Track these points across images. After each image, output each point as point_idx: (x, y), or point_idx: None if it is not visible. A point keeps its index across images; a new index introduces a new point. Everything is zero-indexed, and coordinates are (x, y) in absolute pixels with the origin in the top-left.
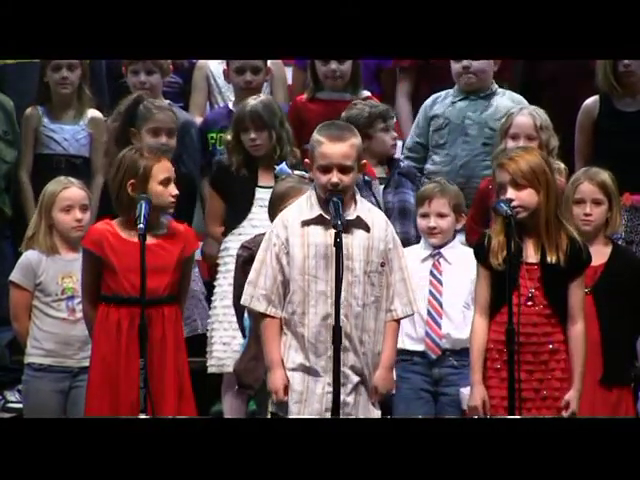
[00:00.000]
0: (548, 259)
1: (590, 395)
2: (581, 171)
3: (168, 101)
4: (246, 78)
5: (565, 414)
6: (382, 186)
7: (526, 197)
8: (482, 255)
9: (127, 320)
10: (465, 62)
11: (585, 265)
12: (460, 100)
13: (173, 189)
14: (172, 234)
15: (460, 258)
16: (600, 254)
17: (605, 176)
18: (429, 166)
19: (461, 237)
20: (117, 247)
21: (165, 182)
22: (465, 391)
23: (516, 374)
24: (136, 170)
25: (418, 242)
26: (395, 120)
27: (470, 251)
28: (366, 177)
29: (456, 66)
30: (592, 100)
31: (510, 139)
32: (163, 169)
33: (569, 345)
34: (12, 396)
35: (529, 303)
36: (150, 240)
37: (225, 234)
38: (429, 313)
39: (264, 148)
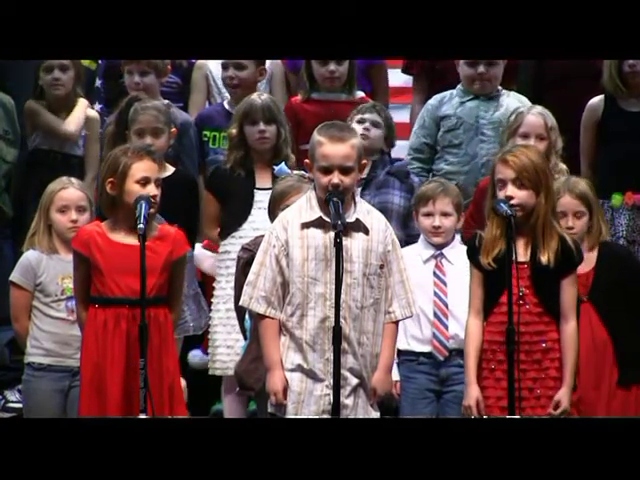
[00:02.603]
0: (538, 259)
1: (611, 398)
2: (560, 182)
3: (167, 101)
4: (228, 74)
5: (555, 413)
6: (360, 188)
7: (526, 197)
8: (473, 256)
9: (113, 321)
10: (481, 68)
11: (576, 264)
12: (469, 100)
13: (152, 190)
14: (161, 236)
15: (461, 258)
16: (588, 261)
17: (583, 185)
18: (445, 166)
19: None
20: (104, 248)
21: (142, 181)
22: None
23: (515, 373)
24: (115, 168)
25: (399, 243)
26: (377, 117)
27: None
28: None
29: (469, 71)
30: (597, 100)
31: (520, 138)
32: (142, 169)
33: (561, 344)
34: (12, 396)
35: (520, 302)
36: (138, 242)
37: (224, 237)
38: (435, 315)
39: (271, 142)
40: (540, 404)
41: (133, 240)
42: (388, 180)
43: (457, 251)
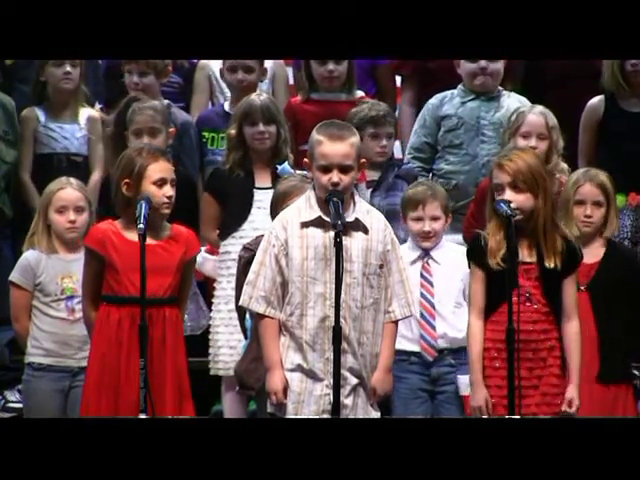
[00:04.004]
0: (546, 262)
1: (588, 393)
2: (580, 172)
3: (167, 101)
4: (238, 77)
5: (571, 410)
6: (370, 189)
7: (524, 201)
8: (477, 256)
9: (128, 320)
10: (483, 63)
11: (578, 264)
12: (470, 100)
13: (168, 190)
14: (174, 236)
15: (448, 257)
16: (596, 253)
17: (604, 177)
18: (445, 166)
19: (448, 236)
20: (119, 247)
21: (159, 183)
22: (462, 378)
23: (517, 372)
24: (131, 169)
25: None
26: (391, 128)
27: (457, 249)
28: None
29: (471, 66)
30: (597, 100)
31: (521, 138)
32: (158, 170)
33: (565, 343)
34: (12, 396)
35: (527, 303)
36: (152, 241)
37: (224, 237)
38: (422, 315)
39: (270, 142)
40: (545, 401)
41: (148, 239)
42: (396, 183)
43: (444, 250)
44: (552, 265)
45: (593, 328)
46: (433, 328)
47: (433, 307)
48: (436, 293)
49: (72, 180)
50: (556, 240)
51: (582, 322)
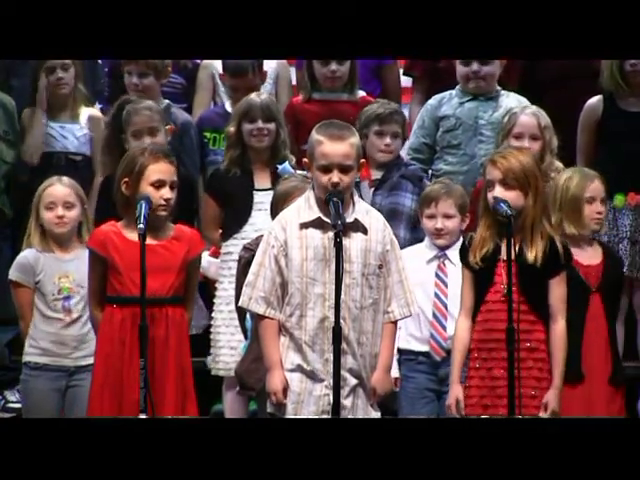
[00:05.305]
0: (525, 257)
1: (600, 394)
2: (579, 170)
3: (167, 101)
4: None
5: (544, 415)
6: (372, 189)
7: (513, 198)
8: (464, 256)
9: (130, 320)
10: (475, 67)
11: (564, 265)
12: (468, 101)
13: (165, 193)
14: (177, 236)
15: None
16: (596, 254)
17: None
18: (443, 166)
19: None
20: (121, 247)
21: (157, 184)
22: None
23: (496, 371)
24: (131, 169)
25: (407, 245)
26: (397, 127)
27: None
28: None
29: (464, 69)
30: (596, 100)
31: (514, 139)
32: (158, 171)
33: (550, 344)
34: (12, 396)
35: (502, 299)
36: (154, 241)
37: (225, 238)
38: (434, 315)
39: (269, 140)
40: (521, 403)
41: (150, 239)
42: (401, 183)
43: None
44: (532, 259)
45: (605, 329)
46: (444, 328)
47: (446, 307)
48: (450, 294)
49: (63, 178)
50: (540, 239)
51: (595, 324)
